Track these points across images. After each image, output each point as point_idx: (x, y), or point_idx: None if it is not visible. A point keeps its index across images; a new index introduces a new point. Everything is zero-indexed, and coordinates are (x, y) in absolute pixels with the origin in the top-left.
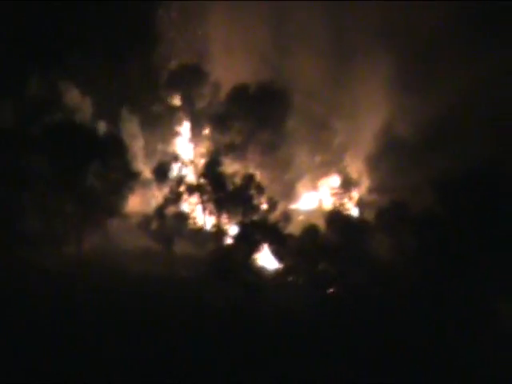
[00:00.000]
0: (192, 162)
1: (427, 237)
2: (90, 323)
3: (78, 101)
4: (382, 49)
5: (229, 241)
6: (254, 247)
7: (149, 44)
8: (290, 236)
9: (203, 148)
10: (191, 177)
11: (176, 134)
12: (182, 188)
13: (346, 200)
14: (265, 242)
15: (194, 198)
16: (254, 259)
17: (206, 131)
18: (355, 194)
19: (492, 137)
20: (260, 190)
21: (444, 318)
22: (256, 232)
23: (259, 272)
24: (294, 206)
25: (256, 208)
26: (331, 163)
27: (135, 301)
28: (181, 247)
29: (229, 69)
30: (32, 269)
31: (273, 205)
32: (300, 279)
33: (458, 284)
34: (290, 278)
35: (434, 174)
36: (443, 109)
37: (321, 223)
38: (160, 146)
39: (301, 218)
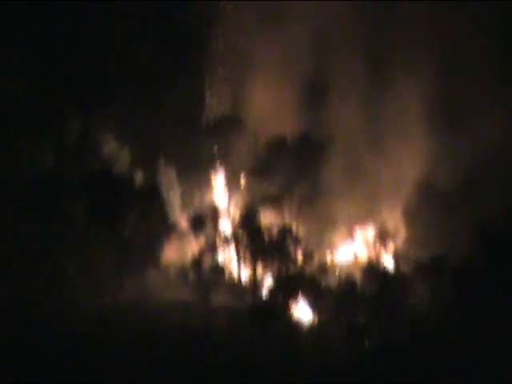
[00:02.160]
0: (229, 212)
1: (467, 289)
2: (128, 373)
3: (115, 150)
4: (421, 96)
5: (265, 293)
6: (291, 299)
7: (187, 93)
8: (327, 288)
9: (240, 199)
10: (228, 227)
11: (213, 184)
12: (219, 239)
13: (382, 252)
14: (301, 294)
15: (231, 250)
16: (290, 311)
17: (243, 182)
18: (391, 246)
19: None
20: (296, 241)
21: (483, 371)
22: (292, 284)
23: (296, 324)
24: (330, 258)
25: (292, 260)
26: (368, 214)
27: (172, 352)
28: (218, 298)
29: (266, 119)
30: (71, 317)
31: (309, 257)
32: (337, 332)
33: (498, 337)
34: (327, 331)
35: (473, 224)
36: (483, 157)
37: (357, 275)
38: (197, 197)
39: (337, 269)
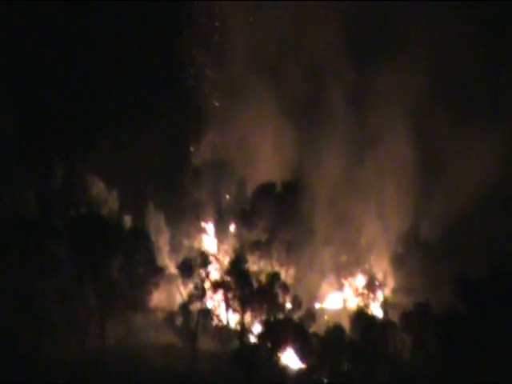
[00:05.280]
0: (217, 258)
1: (449, 336)
2: None
3: (103, 194)
4: (409, 144)
5: (252, 339)
6: (278, 346)
7: (176, 138)
8: (315, 335)
9: (228, 244)
10: (216, 273)
11: (201, 229)
12: (207, 284)
13: (371, 300)
14: (289, 341)
15: (219, 295)
16: (277, 358)
17: (232, 227)
18: (380, 294)
19: None
20: (285, 288)
21: None
22: (280, 331)
23: (283, 371)
24: (318, 305)
25: (281, 306)
26: (357, 263)
27: None
28: (205, 344)
29: (254, 166)
30: (53, 361)
31: (297, 304)
32: (324, 379)
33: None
34: (314, 378)
35: (457, 273)
36: (468, 209)
37: (345, 323)
38: (185, 242)
39: (325, 317)
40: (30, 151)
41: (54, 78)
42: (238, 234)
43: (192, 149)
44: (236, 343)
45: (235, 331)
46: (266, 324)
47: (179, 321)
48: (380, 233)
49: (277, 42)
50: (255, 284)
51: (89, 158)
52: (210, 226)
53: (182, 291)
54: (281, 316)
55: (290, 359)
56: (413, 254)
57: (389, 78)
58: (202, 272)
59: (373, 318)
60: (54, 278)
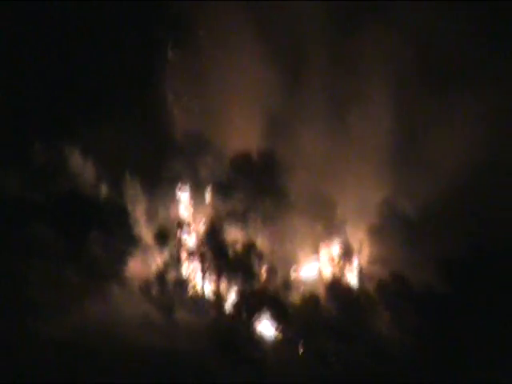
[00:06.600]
0: (193, 227)
1: (426, 312)
2: None
3: (80, 164)
4: (385, 121)
5: (228, 308)
6: (254, 316)
7: (152, 109)
8: (290, 305)
9: (204, 214)
10: (192, 242)
11: (178, 199)
12: (183, 253)
13: (346, 269)
14: (264, 310)
15: (195, 264)
16: (253, 328)
17: (208, 197)
18: (356, 263)
19: (496, 215)
20: (260, 257)
21: None
22: (256, 300)
23: (259, 342)
24: (294, 275)
25: (256, 276)
26: (332, 233)
27: (136, 371)
28: (180, 313)
29: (231, 137)
30: (35, 339)
31: (273, 273)
32: (300, 351)
33: (457, 362)
34: (290, 348)
35: (435, 249)
36: (447, 185)
37: (321, 292)
38: (162, 211)
39: (301, 286)
40: (8, 127)
41: (34, 57)
42: (214, 204)
43: (170, 119)
44: (212, 313)
45: (211, 301)
46: (241, 293)
47: (155, 290)
48: (356, 204)
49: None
50: (231, 253)
51: (68, 132)
52: (185, 196)
53: (157, 261)
54: (256, 285)
55: (266, 329)
56: (389, 226)
57: (373, 44)
58: (178, 241)
59: (348, 288)
60: (35, 257)
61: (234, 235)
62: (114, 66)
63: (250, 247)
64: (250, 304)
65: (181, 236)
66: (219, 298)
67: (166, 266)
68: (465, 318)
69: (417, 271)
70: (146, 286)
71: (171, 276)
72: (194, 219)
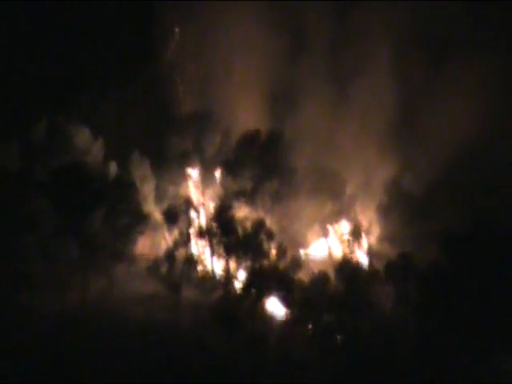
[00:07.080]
0: (202, 205)
1: (431, 289)
2: (93, 370)
3: (89, 142)
4: (387, 94)
5: (237, 285)
6: (263, 294)
7: (161, 87)
8: (299, 284)
9: (214, 191)
10: (201, 220)
11: (187, 177)
12: (192, 231)
13: (356, 247)
14: (273, 288)
15: (203, 242)
16: (261, 306)
17: (217, 175)
18: (365, 242)
19: (499, 190)
20: (270, 235)
21: (446, 369)
22: (265, 278)
23: (266, 320)
24: (303, 252)
25: (265, 254)
26: (341, 211)
27: (138, 348)
28: (189, 292)
29: (239, 115)
30: (36, 314)
31: (282, 251)
32: (307, 328)
33: (461, 336)
34: (298, 326)
35: (440, 226)
36: (451, 161)
37: (330, 270)
38: (171, 189)
39: (310, 264)
40: (11, 102)
41: (37, 28)
42: (223, 182)
43: (178, 98)
44: (221, 291)
45: (219, 280)
46: (250, 271)
47: (164, 268)
48: (366, 183)
49: None
50: (240, 231)
51: (72, 108)
52: (195, 173)
53: (167, 238)
54: (265, 263)
55: (275, 307)
56: (396, 205)
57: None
58: (187, 220)
59: (358, 268)
60: (36, 231)
61: (243, 213)
62: (123, 42)
63: (259, 225)
64: (259, 282)
65: (190, 215)
66: (228, 276)
67: (176, 244)
68: (467, 292)
69: (422, 249)
70: (154, 265)
71: (180, 254)
72: (204, 196)
